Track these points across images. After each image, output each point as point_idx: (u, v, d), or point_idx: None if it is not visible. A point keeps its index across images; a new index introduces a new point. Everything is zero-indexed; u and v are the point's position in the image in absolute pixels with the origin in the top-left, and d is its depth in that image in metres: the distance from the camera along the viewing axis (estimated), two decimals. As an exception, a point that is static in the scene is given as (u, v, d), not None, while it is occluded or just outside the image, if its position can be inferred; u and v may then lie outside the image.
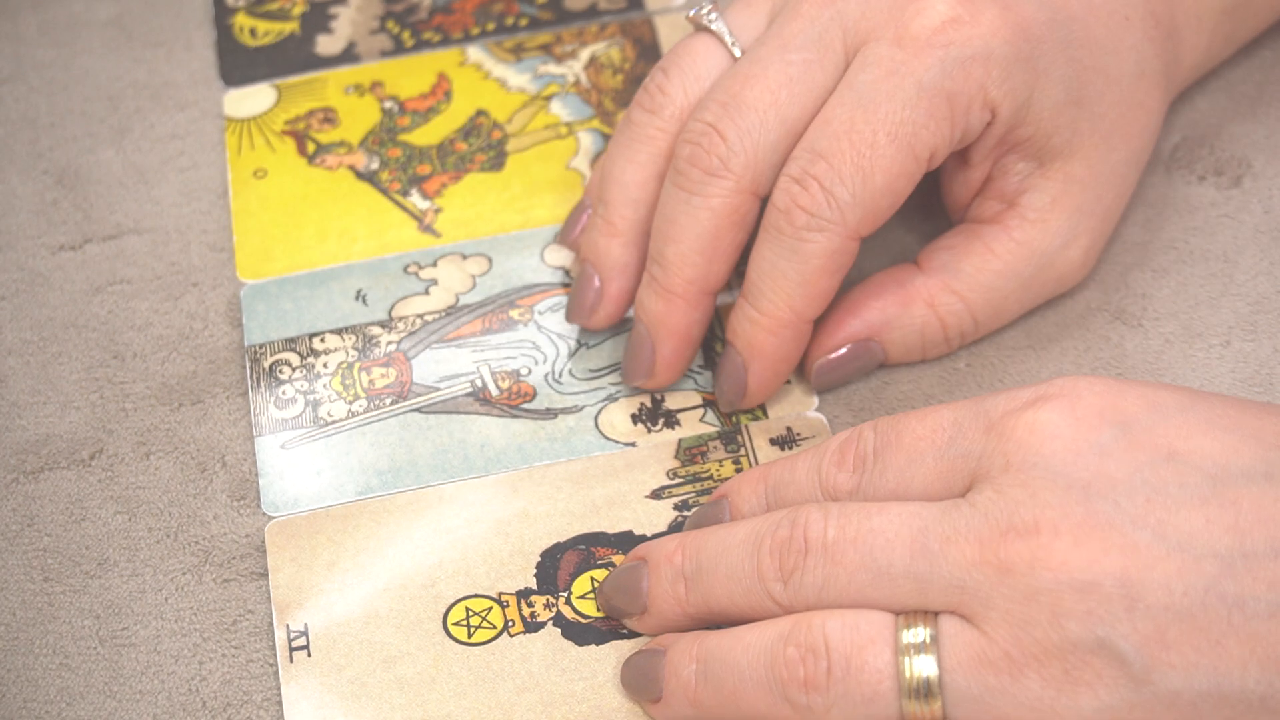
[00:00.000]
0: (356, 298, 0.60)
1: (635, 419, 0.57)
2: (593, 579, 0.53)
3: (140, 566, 0.55)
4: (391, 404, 0.57)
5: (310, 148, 0.64)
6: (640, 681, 0.50)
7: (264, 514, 0.55)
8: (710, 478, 0.55)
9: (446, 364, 0.58)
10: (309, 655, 0.52)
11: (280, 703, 0.52)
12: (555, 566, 0.53)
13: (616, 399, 0.57)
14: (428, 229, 0.61)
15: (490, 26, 0.67)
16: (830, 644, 0.46)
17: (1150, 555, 0.43)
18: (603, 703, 0.51)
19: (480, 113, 0.64)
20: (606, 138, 0.63)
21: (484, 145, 0.64)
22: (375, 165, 0.63)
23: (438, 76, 0.66)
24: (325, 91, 0.65)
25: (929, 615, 0.45)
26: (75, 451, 0.57)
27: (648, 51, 0.66)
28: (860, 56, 0.53)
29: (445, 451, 0.56)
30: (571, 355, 0.58)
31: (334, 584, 0.54)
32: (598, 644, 0.52)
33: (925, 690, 0.45)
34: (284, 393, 0.58)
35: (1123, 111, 0.55)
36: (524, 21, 0.67)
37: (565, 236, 0.59)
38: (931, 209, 0.59)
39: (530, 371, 0.58)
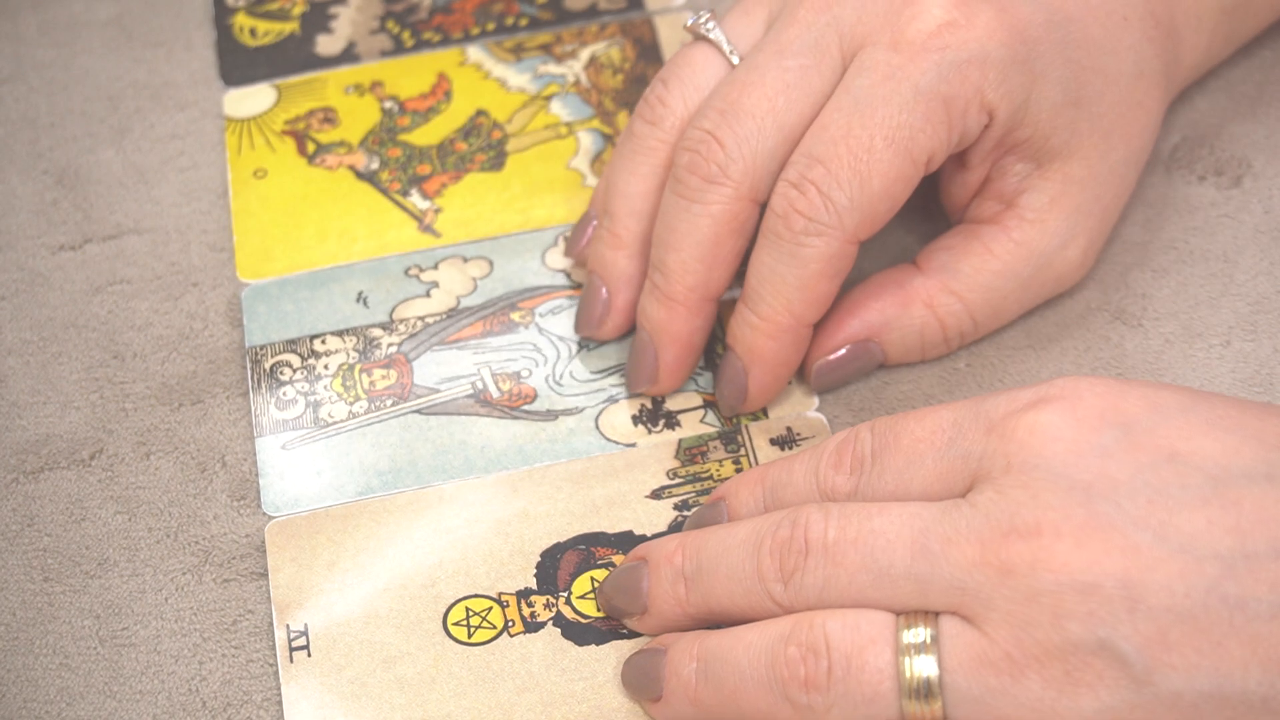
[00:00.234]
0: (357, 300, 0.60)
1: (636, 420, 0.57)
2: (593, 579, 0.53)
3: (140, 566, 0.55)
4: (392, 405, 0.57)
5: (310, 148, 0.64)
6: (641, 681, 0.50)
7: (264, 514, 0.55)
8: (710, 478, 0.55)
9: (447, 366, 0.58)
10: (309, 655, 0.52)
11: (280, 703, 0.52)
12: (555, 566, 0.53)
13: (617, 400, 0.57)
14: (428, 229, 0.61)
15: (490, 26, 0.67)
16: (831, 644, 0.46)
17: (1152, 557, 0.43)
18: (603, 703, 0.51)
19: (480, 113, 0.64)
20: (607, 138, 0.63)
21: (484, 145, 0.64)
22: (375, 165, 0.63)
23: (438, 76, 0.66)
24: (325, 91, 0.65)
25: (929, 616, 0.45)
26: (75, 451, 0.57)
27: (648, 51, 0.66)
28: (857, 61, 0.53)
29: (446, 453, 0.56)
30: (572, 357, 0.58)
31: (334, 584, 0.54)
32: (598, 644, 0.52)
33: (925, 690, 0.45)
34: (285, 394, 0.58)
35: (1121, 112, 0.55)
36: (524, 21, 0.67)
37: (572, 249, 0.59)
38: (930, 210, 0.59)
39: (531, 373, 0.58)
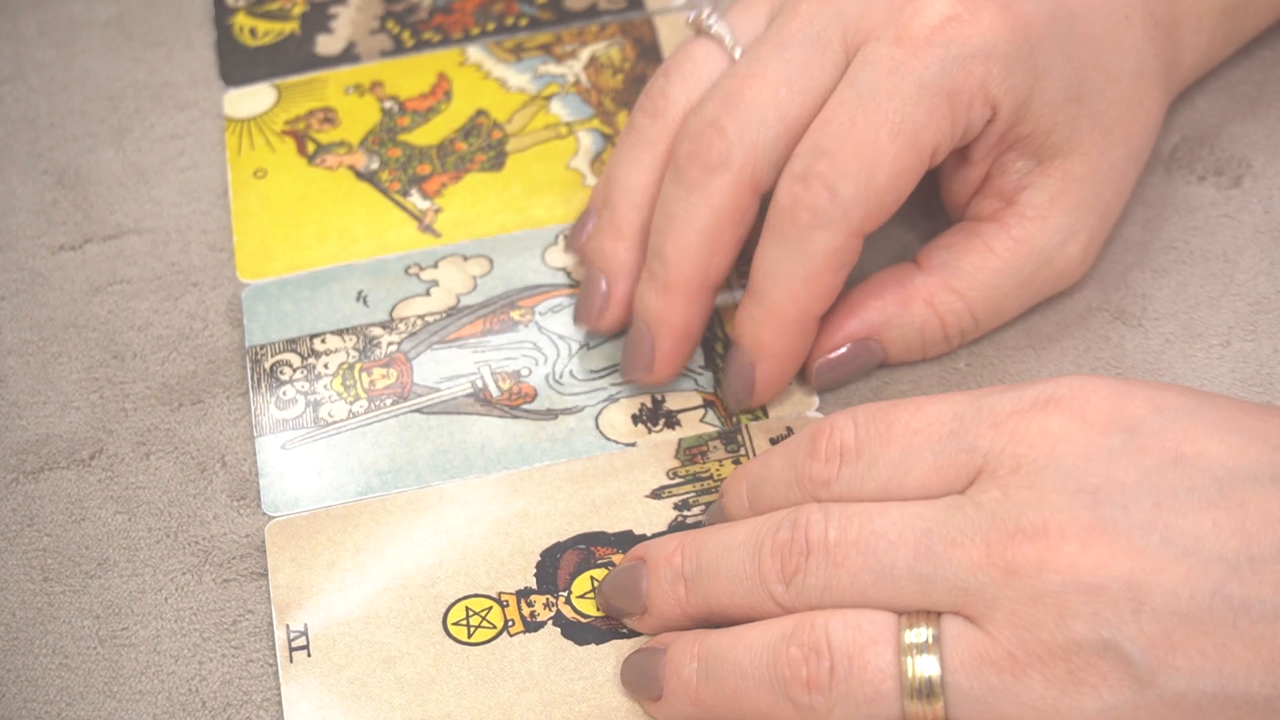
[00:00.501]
0: (357, 299, 0.60)
1: (636, 419, 0.57)
2: (593, 578, 0.53)
3: (140, 566, 0.55)
4: (392, 404, 0.57)
5: (310, 148, 0.64)
6: (640, 680, 0.50)
7: (264, 514, 0.55)
8: (710, 477, 0.55)
9: (447, 365, 0.58)
10: (309, 655, 0.52)
11: (280, 703, 0.52)
12: (555, 566, 0.53)
13: (617, 400, 0.57)
14: (428, 229, 0.61)
15: (490, 26, 0.67)
16: (833, 643, 0.46)
17: (1157, 559, 0.43)
18: (603, 702, 0.51)
19: (480, 113, 0.64)
20: (607, 138, 0.63)
21: (484, 145, 0.64)
22: (375, 165, 0.63)
23: (438, 76, 0.66)
24: (325, 91, 0.65)
25: (931, 615, 0.45)
26: (75, 451, 0.57)
27: (648, 51, 0.66)
28: (860, 55, 0.53)
29: (446, 452, 0.56)
30: (572, 356, 0.58)
31: (334, 584, 0.54)
32: (597, 643, 0.52)
33: (927, 690, 0.45)
34: (285, 393, 0.58)
35: (1122, 110, 0.55)
36: (524, 21, 0.67)
37: (573, 244, 0.59)
38: (931, 207, 0.59)
39: (531, 372, 0.58)
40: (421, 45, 0.67)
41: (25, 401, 0.59)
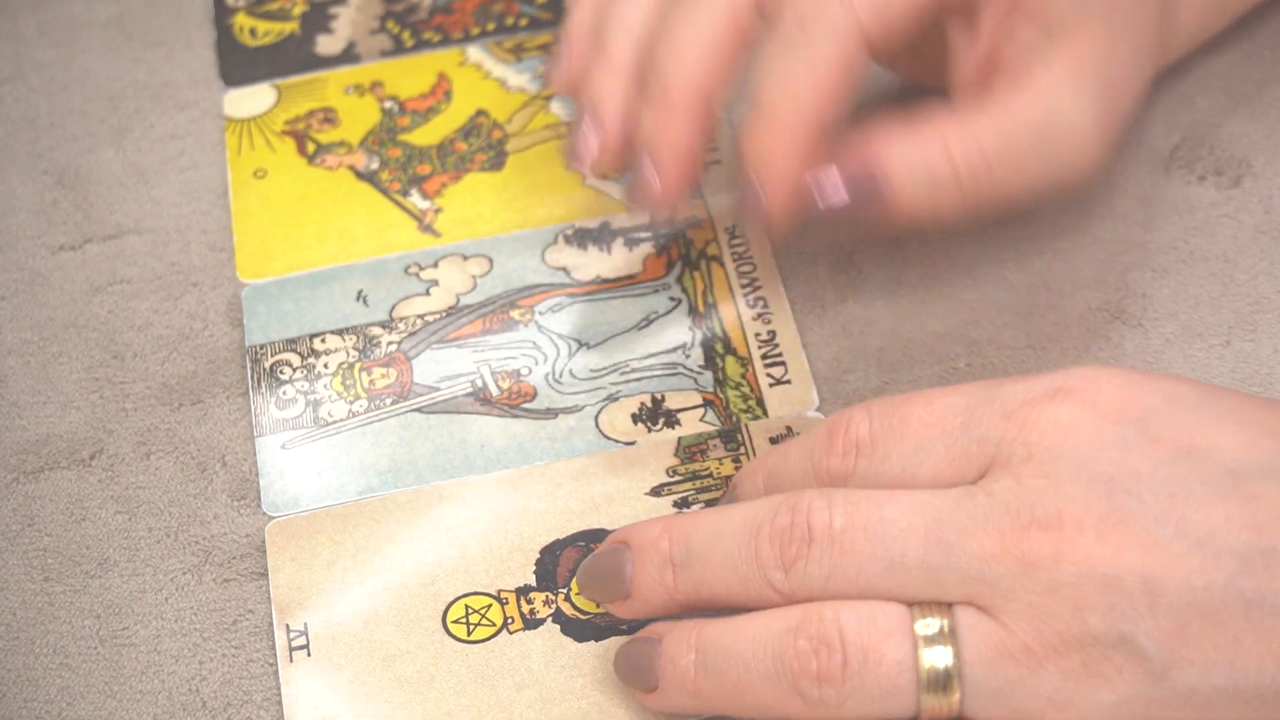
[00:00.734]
0: (357, 298, 0.60)
1: (635, 419, 0.57)
2: (592, 575, 0.53)
3: (140, 566, 0.55)
4: (392, 404, 0.57)
5: (310, 148, 0.64)
6: (634, 671, 0.49)
7: (264, 514, 0.55)
8: (710, 476, 0.55)
9: (447, 364, 0.58)
10: (309, 655, 0.52)
11: (280, 702, 0.52)
12: (554, 563, 0.53)
13: (617, 399, 0.57)
14: (428, 229, 0.62)
15: (490, 26, 0.67)
16: (846, 636, 0.45)
17: (1172, 552, 0.43)
18: (602, 699, 0.51)
19: (480, 113, 0.65)
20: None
21: (484, 145, 0.64)
22: (375, 165, 0.63)
23: (438, 76, 0.66)
24: (325, 91, 0.65)
25: (943, 606, 0.45)
26: (75, 451, 0.57)
27: (648, 52, 0.66)
28: None
29: (445, 451, 0.56)
30: (572, 355, 0.58)
31: (334, 583, 0.54)
32: (597, 640, 0.52)
33: (944, 682, 0.44)
34: (285, 393, 0.58)
35: (1129, 10, 0.54)
36: (524, 21, 0.67)
37: (551, 76, 0.57)
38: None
39: (531, 371, 0.58)
40: (421, 45, 0.67)
41: (25, 401, 0.59)
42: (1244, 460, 0.44)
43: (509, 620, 0.53)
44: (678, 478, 0.55)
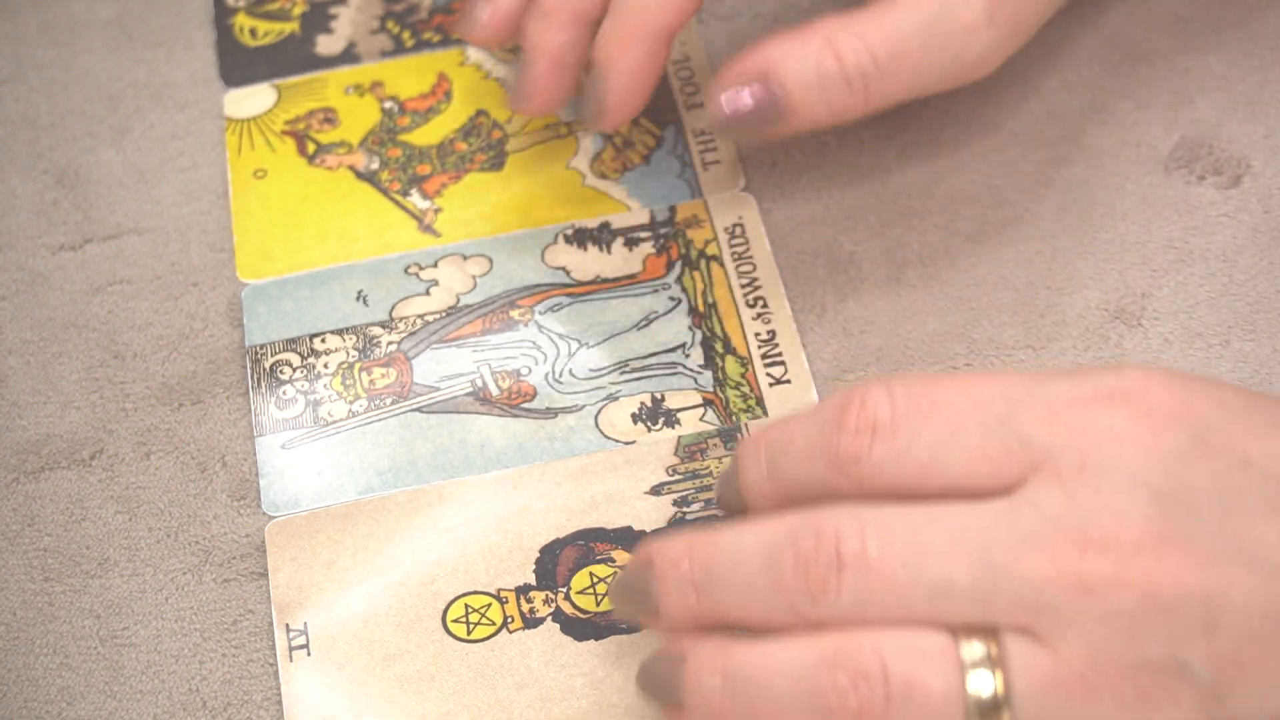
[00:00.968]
0: (357, 298, 0.60)
1: (635, 418, 0.57)
2: (592, 574, 0.53)
3: (140, 566, 0.55)
4: (392, 404, 0.57)
5: (310, 148, 0.64)
6: (658, 689, 0.47)
7: (264, 514, 0.55)
8: (710, 475, 0.55)
9: (447, 364, 0.58)
10: (309, 654, 0.52)
11: (280, 702, 0.52)
12: (554, 562, 0.53)
13: (617, 398, 0.57)
14: (428, 229, 0.62)
15: (490, 27, 0.67)
16: (889, 669, 0.42)
17: (1230, 572, 0.41)
18: (602, 698, 0.51)
19: (480, 113, 0.65)
20: (606, 138, 0.63)
21: (484, 145, 0.64)
22: (375, 165, 0.63)
23: (438, 76, 0.66)
24: (325, 91, 0.65)
25: (989, 632, 0.42)
26: (75, 451, 0.57)
27: (648, 52, 0.66)
28: None
29: (445, 451, 0.56)
30: (572, 355, 0.58)
31: (334, 583, 0.54)
32: (597, 639, 0.52)
33: (993, 713, 0.42)
34: (284, 393, 0.58)
35: None
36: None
37: (466, 25, 0.62)
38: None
39: (530, 371, 0.58)
40: (421, 45, 0.67)
41: (25, 401, 0.59)
42: None
43: (509, 619, 0.53)
44: (677, 477, 0.55)
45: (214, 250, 0.62)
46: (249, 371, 0.58)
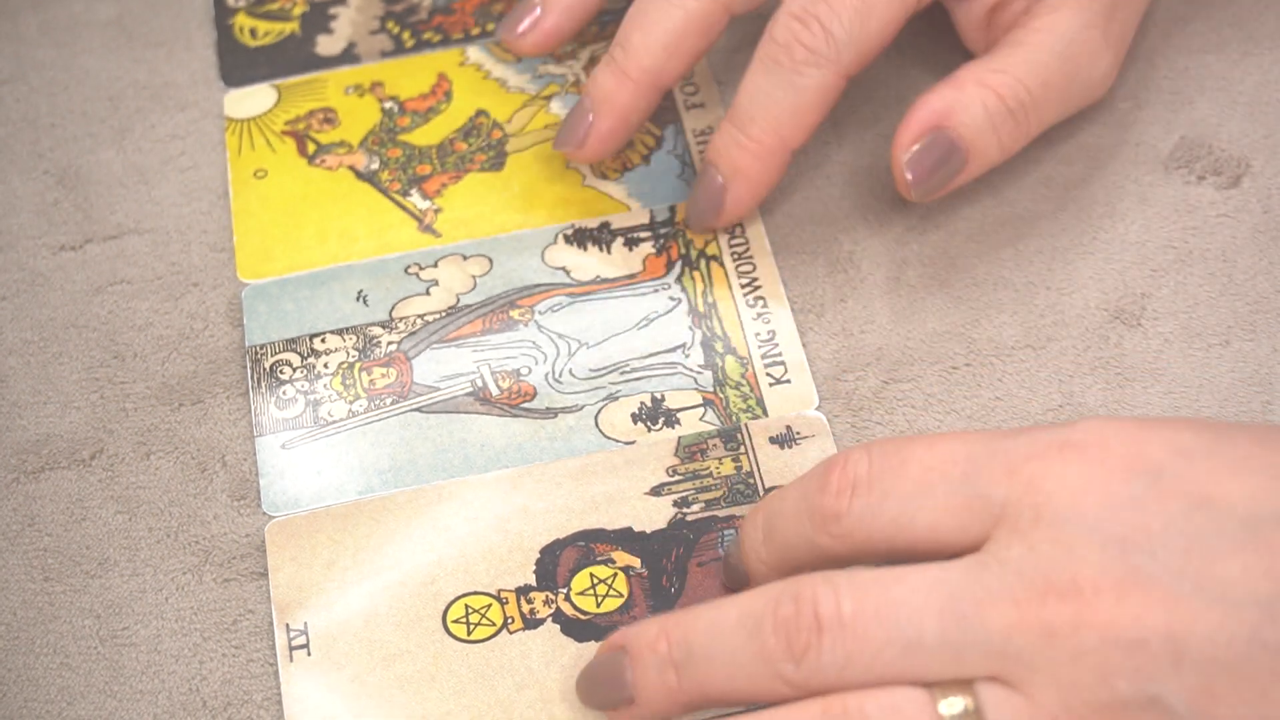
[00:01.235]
0: (357, 298, 0.60)
1: (635, 418, 0.57)
2: (592, 575, 0.53)
3: (140, 566, 0.55)
4: (392, 404, 0.57)
5: (310, 148, 0.64)
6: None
7: (264, 514, 0.55)
8: (710, 475, 0.55)
9: (447, 364, 0.58)
10: (309, 654, 0.52)
11: (280, 702, 0.52)
12: (555, 563, 0.53)
13: (617, 398, 0.57)
14: (428, 229, 0.62)
15: (490, 27, 0.67)
16: None
17: (1193, 608, 0.42)
18: (602, 699, 0.51)
19: (480, 113, 0.65)
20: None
21: (484, 145, 0.64)
22: (375, 165, 0.63)
23: (438, 76, 0.66)
24: (325, 92, 0.66)
25: (963, 684, 0.44)
26: (76, 451, 0.57)
27: (648, 52, 0.66)
28: None
29: (445, 451, 0.56)
30: (571, 355, 0.58)
31: (334, 583, 0.54)
32: (596, 640, 0.52)
33: None
34: (284, 393, 0.58)
35: None
36: (524, 22, 0.67)
37: (504, 33, 0.62)
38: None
39: (530, 371, 0.58)
40: (421, 45, 0.67)
41: (26, 401, 0.59)
42: (1257, 507, 0.43)
43: (509, 620, 0.53)
44: (678, 477, 0.55)
45: (214, 250, 0.62)
46: (249, 371, 0.59)
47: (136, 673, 0.53)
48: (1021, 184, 0.61)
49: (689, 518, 0.54)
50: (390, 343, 0.59)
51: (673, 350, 0.58)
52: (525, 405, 0.57)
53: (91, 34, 0.68)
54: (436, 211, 0.62)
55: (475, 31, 0.67)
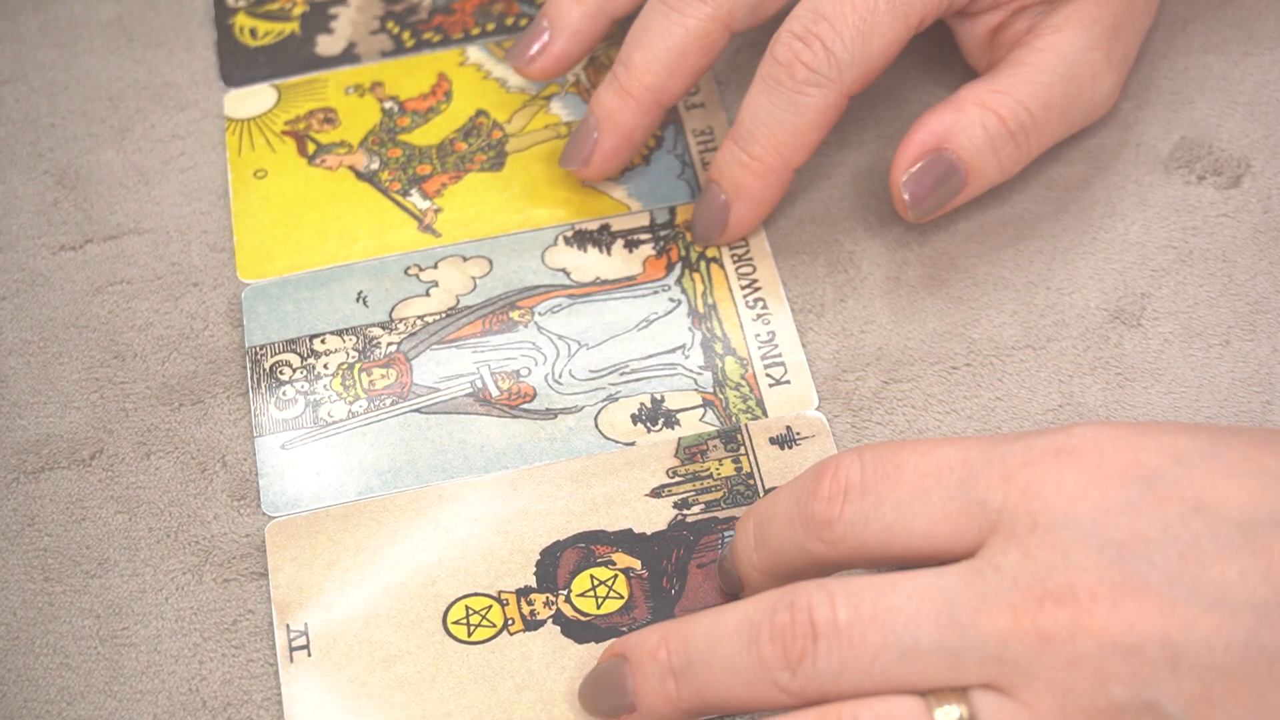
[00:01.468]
0: (357, 299, 0.60)
1: (635, 419, 0.57)
2: (592, 577, 0.53)
3: (140, 566, 0.55)
4: (392, 405, 0.57)
5: (310, 148, 0.64)
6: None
7: (264, 514, 0.55)
8: (710, 476, 0.55)
9: (447, 365, 0.58)
10: (309, 655, 0.52)
11: (280, 703, 0.52)
12: (555, 564, 0.53)
13: (616, 399, 0.57)
14: (428, 229, 0.62)
15: (490, 26, 0.67)
16: None
17: (1189, 613, 0.42)
18: (602, 701, 0.51)
19: (480, 113, 0.65)
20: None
21: (484, 145, 0.64)
22: (375, 165, 0.63)
23: (438, 76, 0.66)
24: (325, 92, 0.65)
25: (958, 692, 0.44)
26: (76, 451, 0.57)
27: (648, 52, 0.66)
28: None
29: (445, 452, 0.56)
30: (571, 356, 0.58)
31: (334, 583, 0.54)
32: (597, 642, 0.52)
33: None
34: (284, 393, 0.58)
35: None
36: (524, 21, 0.67)
37: (515, 58, 0.62)
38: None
39: (530, 372, 0.58)
40: (421, 45, 0.67)
41: (26, 401, 0.59)
42: (1253, 511, 0.43)
43: (509, 621, 0.53)
44: (678, 478, 0.55)
45: (214, 250, 0.62)
46: (249, 372, 0.59)
47: (136, 673, 0.53)
48: (1022, 184, 0.61)
49: (689, 519, 0.54)
50: (390, 343, 0.59)
51: (672, 351, 0.58)
52: (525, 406, 0.57)
53: (91, 34, 0.68)
54: (436, 211, 0.62)
55: (475, 31, 0.67)
